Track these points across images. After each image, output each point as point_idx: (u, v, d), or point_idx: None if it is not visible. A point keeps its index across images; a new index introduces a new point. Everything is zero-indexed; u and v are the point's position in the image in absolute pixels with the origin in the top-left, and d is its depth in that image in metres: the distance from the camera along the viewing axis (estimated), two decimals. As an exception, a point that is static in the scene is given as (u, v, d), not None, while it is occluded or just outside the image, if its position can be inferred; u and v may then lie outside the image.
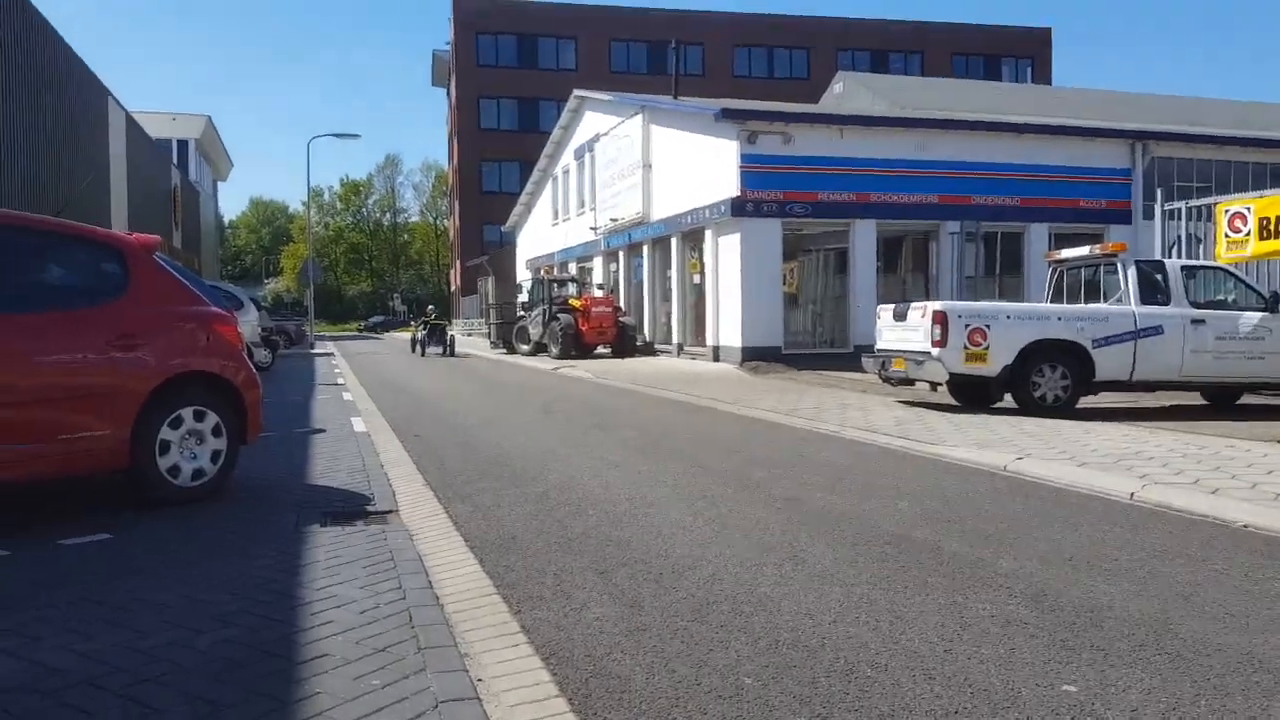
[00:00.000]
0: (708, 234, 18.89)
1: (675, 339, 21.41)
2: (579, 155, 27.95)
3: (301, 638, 3.09)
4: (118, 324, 4.96)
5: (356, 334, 60.25)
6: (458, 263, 52.67)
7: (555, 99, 38.46)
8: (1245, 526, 4.77)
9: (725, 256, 18.26)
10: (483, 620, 3.32)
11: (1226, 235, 11.45)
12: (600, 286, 25.29)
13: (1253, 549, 4.38)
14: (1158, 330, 9.52)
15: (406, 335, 33.75)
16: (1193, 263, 10.75)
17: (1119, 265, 9.95)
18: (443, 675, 2.77)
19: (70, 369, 4.80)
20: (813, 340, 18.78)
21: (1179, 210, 12.38)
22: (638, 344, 22.19)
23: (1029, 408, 9.43)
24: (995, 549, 4.33)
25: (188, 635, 3.09)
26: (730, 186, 17.55)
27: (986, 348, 9.43)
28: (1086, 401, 9.83)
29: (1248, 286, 10.13)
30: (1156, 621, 3.33)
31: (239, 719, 2.47)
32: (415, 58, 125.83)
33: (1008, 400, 9.75)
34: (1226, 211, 11.44)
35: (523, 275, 33.64)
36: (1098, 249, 10.65)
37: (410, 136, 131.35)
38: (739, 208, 17.31)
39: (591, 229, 26.28)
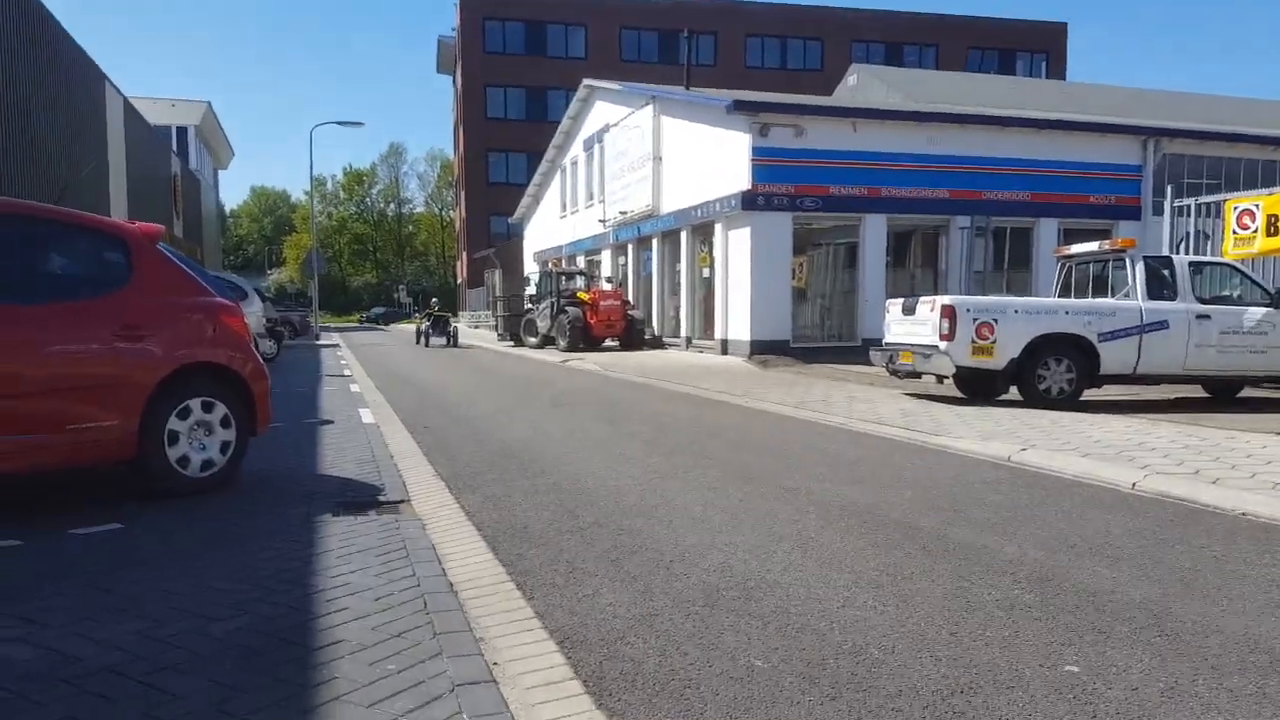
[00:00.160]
0: (717, 227, 18.94)
1: (684, 332, 21.49)
2: (588, 146, 27.98)
3: (317, 625, 3.13)
4: (122, 314, 4.96)
5: (359, 325, 60.25)
6: (464, 254, 52.74)
7: (564, 88, 38.51)
8: (1244, 515, 4.88)
9: (735, 250, 18.31)
10: (496, 607, 3.39)
11: (1234, 232, 11.50)
12: (609, 279, 25.36)
13: (1251, 536, 4.48)
14: (1163, 325, 9.59)
15: (411, 327, 33.98)
16: (1200, 259, 10.82)
17: (1127, 261, 10.02)
18: (458, 660, 2.83)
19: (75, 360, 4.79)
20: (821, 334, 18.85)
21: (1188, 207, 12.42)
22: (646, 337, 22.27)
23: (1034, 400, 9.51)
24: (1000, 536, 4.41)
25: (203, 623, 3.14)
26: (741, 180, 17.59)
27: (994, 341, 9.50)
28: (1090, 394, 9.91)
29: (1253, 282, 10.20)
30: (1157, 605, 3.42)
31: (258, 704, 2.52)
32: (420, 43, 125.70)
33: (1013, 393, 9.82)
34: (1235, 208, 11.49)
35: (530, 268, 33.73)
36: (1106, 244, 10.70)
37: (415, 125, 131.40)
38: (749, 201, 17.35)
39: (600, 221, 26.34)
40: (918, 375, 10.47)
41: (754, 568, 3.90)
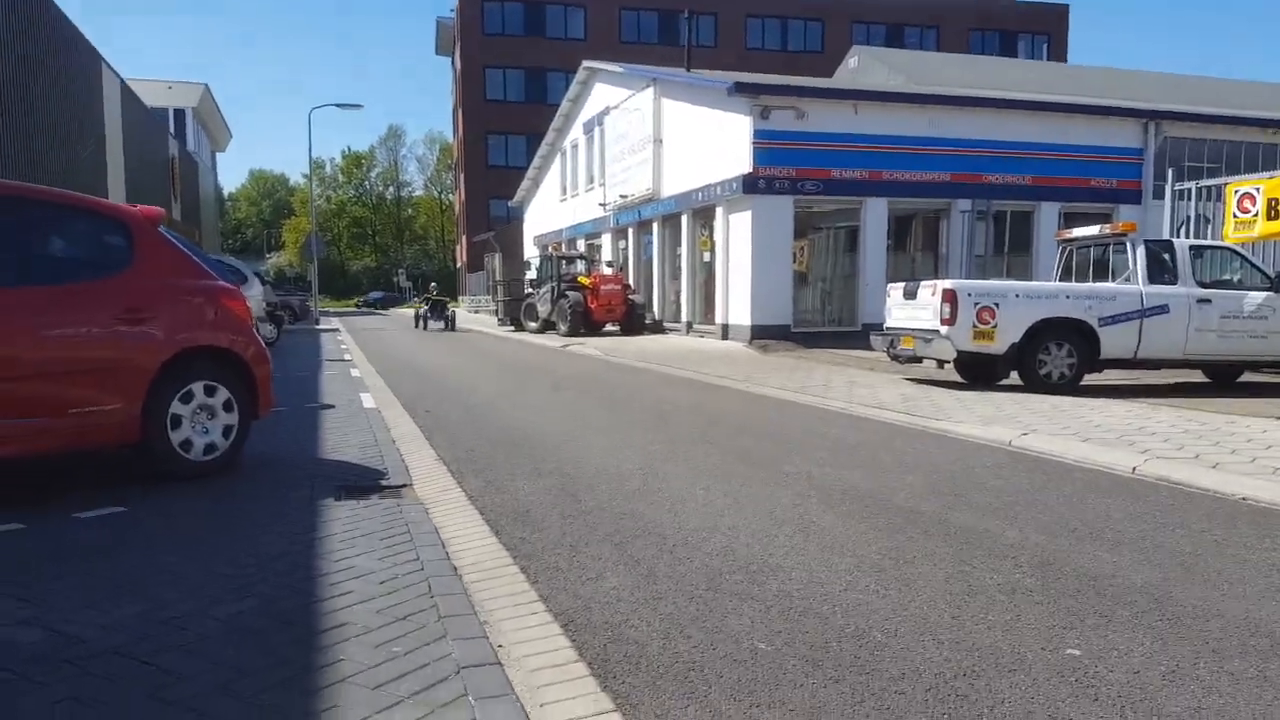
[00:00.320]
0: (718, 211, 18.88)
1: (684, 317, 21.47)
2: (588, 129, 27.83)
3: (321, 607, 3.14)
4: (123, 297, 4.95)
5: (357, 310, 60.09)
6: (463, 238, 52.59)
7: (564, 70, 38.26)
8: (1244, 499, 4.89)
9: (736, 234, 18.26)
10: (500, 590, 3.39)
11: (1235, 215, 11.46)
12: (609, 264, 25.30)
13: (1252, 521, 4.50)
14: (1164, 309, 9.58)
15: (410, 312, 34.15)
16: (1201, 242, 10.79)
17: (1128, 244, 9.99)
18: (463, 642, 2.84)
19: (77, 343, 4.79)
20: (821, 319, 18.83)
21: (1189, 190, 12.37)
22: (646, 322, 22.24)
23: (1035, 385, 9.51)
24: (1001, 521, 4.43)
25: (206, 605, 3.15)
26: (742, 163, 17.51)
27: (994, 326, 9.49)
28: (1090, 379, 9.91)
29: (1254, 266, 10.17)
30: (1158, 589, 3.44)
31: (263, 685, 2.52)
32: (418, 24, 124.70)
33: (1013, 378, 9.83)
34: (1236, 192, 11.45)
35: (530, 252, 33.63)
36: (1107, 228, 10.67)
37: (414, 107, 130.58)
38: (750, 185, 17.28)
39: (601, 205, 26.24)
40: (918, 360, 10.47)
41: (756, 551, 3.92)
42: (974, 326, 9.48)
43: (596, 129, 26.75)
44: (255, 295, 16.40)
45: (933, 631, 3.02)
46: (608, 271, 23.63)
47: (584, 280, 22.38)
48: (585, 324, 21.26)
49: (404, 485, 5.22)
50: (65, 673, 2.62)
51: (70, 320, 4.78)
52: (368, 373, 12.83)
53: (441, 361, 15.39)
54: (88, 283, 4.95)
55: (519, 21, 48.08)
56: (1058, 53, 49.10)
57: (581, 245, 28.50)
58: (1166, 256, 9.87)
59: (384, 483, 5.27)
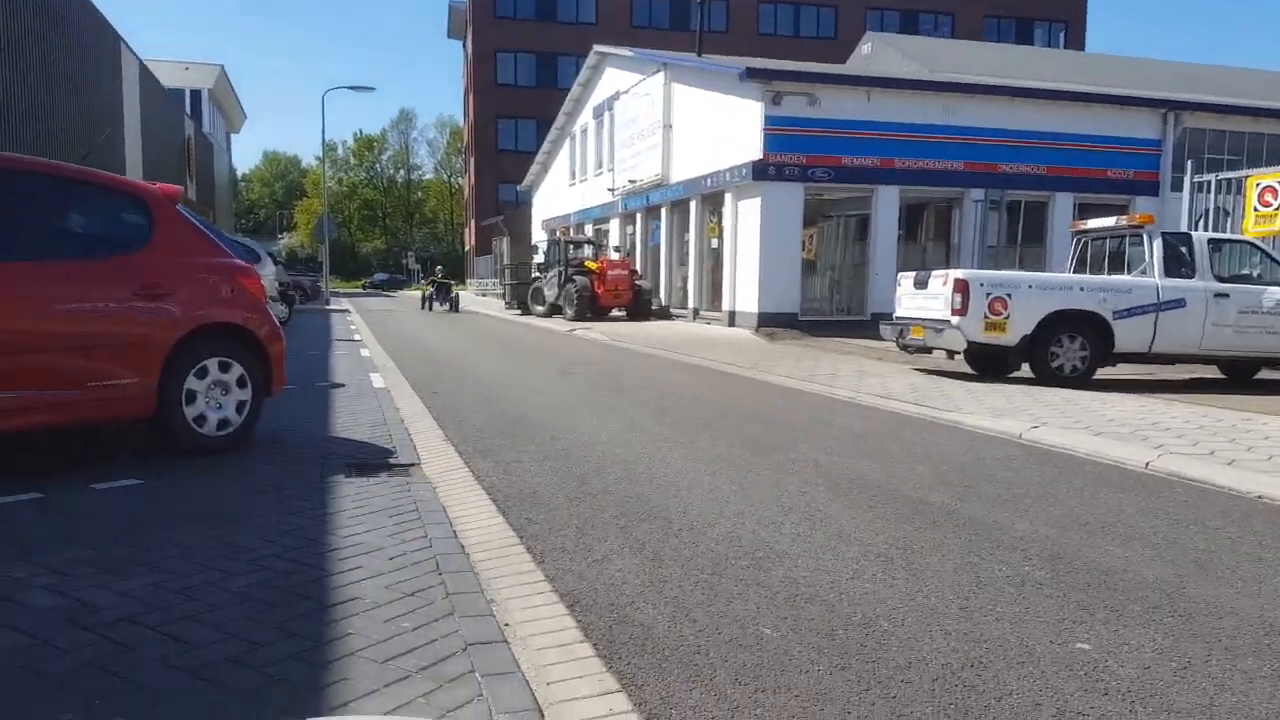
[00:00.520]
0: (727, 197, 18.77)
1: (691, 303, 21.41)
2: (598, 114, 27.70)
3: (332, 582, 3.17)
4: (142, 274, 5.01)
5: (363, 291, 60.20)
6: (472, 222, 52.52)
7: (574, 54, 38.03)
8: (1260, 497, 4.84)
9: (744, 221, 18.16)
10: (507, 569, 3.41)
11: (1256, 209, 11.34)
12: (617, 249, 25.23)
13: (1268, 519, 4.45)
14: (1180, 303, 9.48)
15: (418, 294, 34.49)
16: (1220, 236, 10.64)
17: (1145, 237, 9.88)
18: (470, 620, 2.86)
19: (96, 317, 4.85)
20: (830, 307, 18.75)
21: (1208, 183, 12.23)
22: (653, 308, 22.20)
23: (1046, 378, 9.45)
24: (1011, 513, 4.40)
25: (220, 577, 3.19)
26: (752, 149, 17.40)
27: (1006, 317, 9.42)
28: (1103, 373, 9.84)
29: (1274, 261, 10.04)
30: (1170, 585, 3.41)
31: (273, 657, 2.55)
32: (431, 7, 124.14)
33: (1024, 370, 9.77)
34: (1257, 185, 11.32)
35: (539, 236, 33.57)
36: (1124, 220, 10.56)
37: (425, 91, 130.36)
38: (760, 171, 17.17)
39: (609, 190, 26.15)
40: (928, 350, 10.41)
41: (762, 538, 3.90)
42: (986, 317, 9.41)
43: (606, 114, 26.63)
44: (268, 275, 16.45)
45: (940, 622, 3.00)
46: (615, 256, 23.57)
47: (591, 265, 22.33)
48: (592, 309, 21.24)
49: (412, 464, 5.25)
50: (81, 639, 2.67)
51: (89, 295, 4.84)
52: (377, 353, 12.87)
53: (450, 343, 15.41)
54: (107, 259, 5.01)
55: (531, 5, 47.81)
56: (1075, 41, 48.53)
57: (589, 230, 28.43)
58: (1184, 250, 9.76)
59: (393, 461, 5.31)
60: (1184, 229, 11.42)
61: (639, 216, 24.92)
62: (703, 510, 4.33)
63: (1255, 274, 10.14)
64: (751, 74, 17.46)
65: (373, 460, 5.31)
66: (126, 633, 2.71)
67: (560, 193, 32.85)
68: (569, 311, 21.53)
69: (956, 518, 4.29)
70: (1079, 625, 3.00)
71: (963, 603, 3.18)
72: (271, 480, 4.73)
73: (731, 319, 18.64)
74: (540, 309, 23.67)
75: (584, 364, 11.87)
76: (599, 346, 15.19)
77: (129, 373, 4.91)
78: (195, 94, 41.85)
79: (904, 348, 10.64)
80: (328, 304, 30.37)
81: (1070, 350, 9.54)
